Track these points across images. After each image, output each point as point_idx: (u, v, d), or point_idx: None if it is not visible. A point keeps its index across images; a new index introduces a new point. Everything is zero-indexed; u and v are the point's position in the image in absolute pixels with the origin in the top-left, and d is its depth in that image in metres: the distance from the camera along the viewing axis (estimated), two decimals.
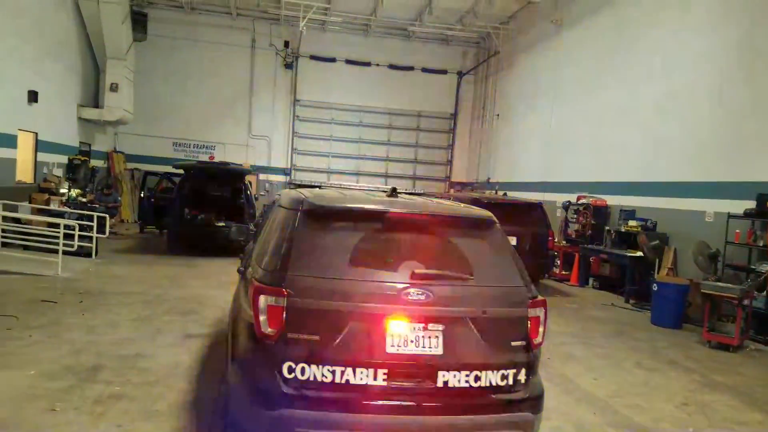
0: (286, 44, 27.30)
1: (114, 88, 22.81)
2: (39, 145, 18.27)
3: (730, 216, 12.20)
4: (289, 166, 27.95)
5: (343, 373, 4.23)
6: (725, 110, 13.20)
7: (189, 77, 26.69)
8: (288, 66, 27.60)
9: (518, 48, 24.42)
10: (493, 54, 26.45)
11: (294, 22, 24.91)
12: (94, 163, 23.28)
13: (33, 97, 17.19)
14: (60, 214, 15.18)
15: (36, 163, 18.19)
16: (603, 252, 15.86)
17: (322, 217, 4.65)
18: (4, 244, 14.25)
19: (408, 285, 4.37)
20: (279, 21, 26.19)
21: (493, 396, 4.50)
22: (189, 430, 5.68)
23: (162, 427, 5.69)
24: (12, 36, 16.00)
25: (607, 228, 16.42)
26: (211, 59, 26.80)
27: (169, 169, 21.26)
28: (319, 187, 6.80)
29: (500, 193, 22.42)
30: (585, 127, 18.93)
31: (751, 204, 11.86)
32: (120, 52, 22.79)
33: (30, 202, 16.24)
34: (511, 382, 4.54)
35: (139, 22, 24.83)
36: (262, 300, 4.27)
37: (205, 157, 24.83)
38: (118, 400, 6.21)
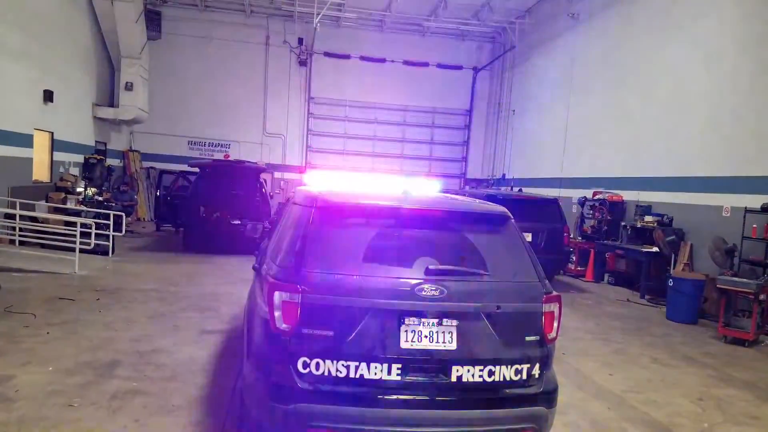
0: (300, 41, 27.30)
1: (129, 87, 22.93)
2: (55, 145, 18.40)
3: (747, 211, 12.14)
4: (303, 164, 27.98)
5: (357, 368, 4.26)
6: (742, 104, 13.12)
7: (203, 75, 26.77)
8: (302, 63, 27.63)
9: (534, 43, 24.34)
10: (509, 49, 26.35)
11: (308, 19, 24.87)
12: (110, 162, 23.43)
13: (48, 96, 17.32)
14: (77, 213, 15.32)
15: (52, 163, 18.32)
16: (619, 248, 15.81)
17: (336, 213, 4.68)
18: (22, 243, 14.41)
19: (422, 281, 4.38)
20: (293, 18, 26.17)
21: (507, 390, 4.51)
22: (205, 425, 5.74)
23: (179, 421, 5.75)
24: (26, 36, 16.11)
25: (623, 223, 16.37)
26: (226, 57, 26.87)
27: (185, 167, 21.36)
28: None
29: (515, 189, 22.44)
30: (601, 123, 18.87)
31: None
32: (134, 51, 22.89)
33: (47, 201, 16.39)
34: (525, 376, 4.55)
35: (153, 20, 24.92)
36: (277, 296, 4.31)
37: (220, 156, 24.92)
38: (135, 395, 6.29)
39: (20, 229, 14.28)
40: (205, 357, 7.77)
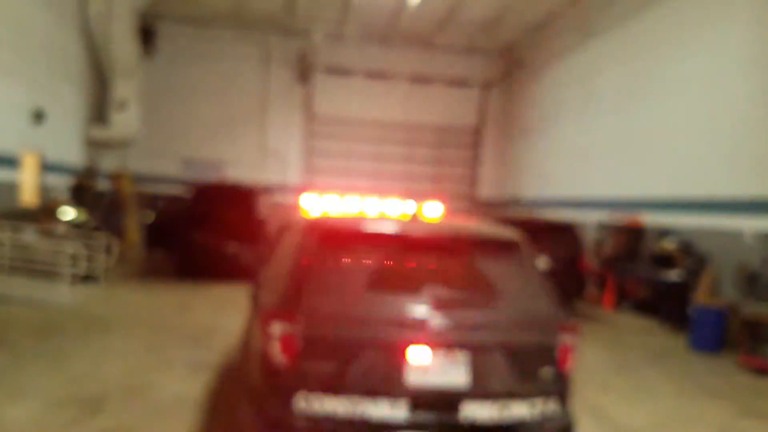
0: (301, 57, 27.25)
1: (122, 106, 22.97)
2: (44, 167, 18.40)
3: None
4: (305, 184, 27.88)
5: (360, 404, 4.20)
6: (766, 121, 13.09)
7: (200, 93, 26.71)
8: (303, 80, 27.58)
9: (546, 59, 24.37)
10: (519, 65, 26.34)
11: (309, 35, 24.93)
12: (101, 184, 23.42)
13: (38, 116, 17.33)
14: (66, 238, 15.26)
15: (41, 186, 18.30)
16: (638, 274, 15.72)
17: (337, 240, 4.64)
18: (9, 270, 14.35)
19: (429, 311, 4.34)
20: (294, 34, 26.22)
21: (522, 428, 4.44)
22: None
23: None
24: (16, 54, 16.18)
25: (642, 248, 16.27)
26: (223, 74, 26.88)
27: (179, 189, 21.30)
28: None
29: (528, 211, 22.38)
30: (617, 140, 18.81)
31: None
32: (128, 70, 22.93)
33: (35, 227, 16.33)
34: (540, 412, 4.49)
35: (148, 37, 24.97)
36: (275, 327, 4.26)
37: (216, 177, 24.88)
38: None
39: (7, 256, 14.23)
40: (199, 392, 7.68)
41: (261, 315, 4.61)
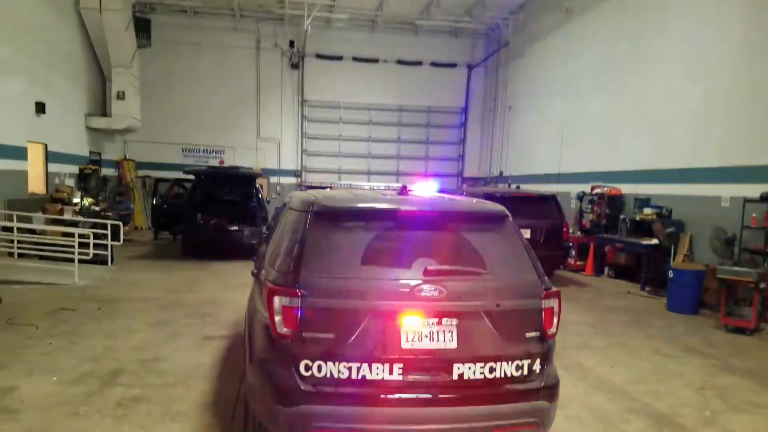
0: (292, 44, 27.21)
1: (120, 96, 22.90)
2: (49, 156, 18.45)
3: (746, 200, 12.24)
4: (299, 168, 28.02)
5: (359, 369, 4.33)
6: (740, 92, 13.22)
7: (195, 82, 26.76)
8: (294, 66, 27.58)
9: (529, 38, 24.33)
10: (503, 45, 26.28)
11: (299, 21, 24.84)
12: (105, 171, 23.45)
13: (41, 108, 17.33)
14: (74, 224, 15.37)
15: (47, 174, 18.38)
16: (618, 241, 15.88)
17: (333, 217, 4.75)
18: (20, 255, 14.46)
19: (421, 281, 4.45)
20: (283, 21, 26.11)
21: (509, 386, 4.58)
22: (211, 430, 5.82)
23: (184, 427, 5.84)
24: (16, 49, 16.15)
25: (622, 217, 16.45)
26: (217, 63, 26.87)
27: (180, 174, 21.37)
28: (329, 187, 6.89)
29: (513, 186, 22.51)
30: (597, 116, 18.93)
31: (767, 187, 11.90)
32: (125, 60, 22.85)
33: (43, 213, 16.44)
34: (526, 372, 4.62)
35: (142, 28, 24.82)
36: (277, 301, 4.38)
37: (215, 162, 24.96)
38: (139, 402, 6.38)
39: (18, 242, 14.33)
40: (208, 363, 7.84)
41: (264, 290, 4.72)
